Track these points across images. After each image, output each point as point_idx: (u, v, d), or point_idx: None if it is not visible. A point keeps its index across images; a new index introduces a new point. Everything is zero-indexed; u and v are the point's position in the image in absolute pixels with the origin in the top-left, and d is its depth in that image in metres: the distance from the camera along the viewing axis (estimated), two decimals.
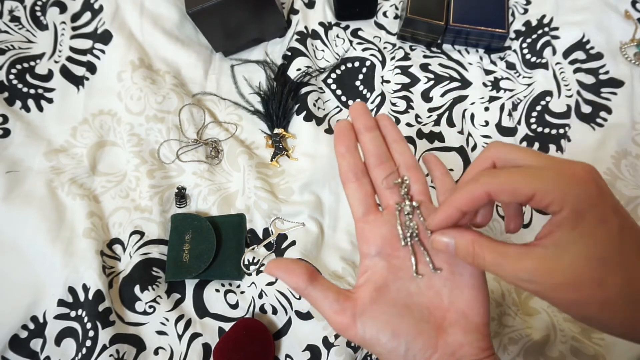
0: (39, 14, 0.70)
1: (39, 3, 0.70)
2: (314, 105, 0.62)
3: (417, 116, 0.62)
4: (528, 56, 0.64)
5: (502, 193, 0.26)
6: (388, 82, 0.64)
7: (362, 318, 0.28)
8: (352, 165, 0.33)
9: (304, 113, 0.62)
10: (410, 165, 0.33)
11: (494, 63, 0.65)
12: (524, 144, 0.60)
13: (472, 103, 0.63)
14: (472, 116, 0.62)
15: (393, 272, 0.30)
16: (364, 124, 0.33)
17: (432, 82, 0.64)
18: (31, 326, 0.53)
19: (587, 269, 0.24)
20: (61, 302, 0.53)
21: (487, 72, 0.64)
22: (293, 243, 0.55)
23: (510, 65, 0.65)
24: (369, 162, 0.33)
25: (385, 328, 0.28)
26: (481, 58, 0.65)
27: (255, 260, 0.55)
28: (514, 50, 0.65)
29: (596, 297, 0.24)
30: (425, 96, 0.63)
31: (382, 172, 0.33)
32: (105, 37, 0.65)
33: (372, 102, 0.64)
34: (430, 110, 0.63)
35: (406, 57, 0.65)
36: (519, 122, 0.61)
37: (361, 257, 0.32)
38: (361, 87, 0.65)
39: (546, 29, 0.65)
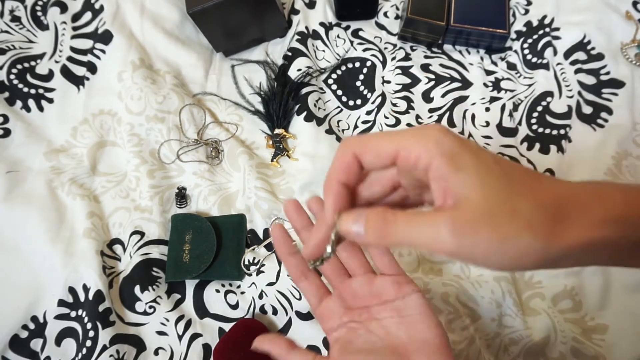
0: (39, 14, 0.70)
1: (40, 3, 0.70)
2: (315, 105, 0.62)
3: (417, 117, 0.62)
4: (529, 57, 0.64)
5: (366, 154, 0.26)
6: (389, 82, 0.64)
7: None
8: (299, 267, 0.37)
9: (305, 113, 0.62)
10: (347, 244, 0.37)
11: (495, 63, 0.65)
12: (525, 144, 0.60)
13: (473, 103, 0.62)
14: (473, 117, 0.62)
15: (354, 332, 0.35)
16: (299, 225, 0.37)
17: (432, 83, 0.64)
18: (31, 326, 0.53)
19: (500, 203, 0.23)
20: (61, 302, 0.53)
21: (488, 73, 0.64)
22: None
23: (511, 66, 0.65)
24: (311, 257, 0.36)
25: None
26: (482, 58, 0.65)
27: (255, 261, 0.55)
28: (515, 51, 0.65)
29: (519, 225, 0.22)
30: (426, 96, 0.63)
31: (327, 264, 0.37)
32: (105, 37, 0.65)
33: (372, 103, 0.63)
34: (431, 110, 0.63)
35: (407, 57, 0.65)
36: (519, 123, 0.61)
37: (326, 333, 0.36)
38: (362, 88, 0.65)
39: (547, 29, 0.65)
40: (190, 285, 0.55)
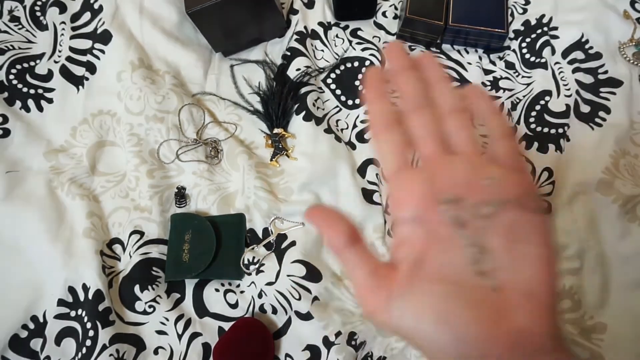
0: (38, 14, 0.70)
1: (39, 3, 0.70)
2: (314, 105, 0.63)
3: None
4: (527, 56, 0.64)
5: None
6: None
7: (398, 301, 0.23)
8: (383, 113, 0.27)
9: (304, 113, 0.62)
10: (455, 108, 0.27)
11: (493, 63, 0.65)
12: (523, 143, 0.60)
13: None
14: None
15: (436, 243, 0.23)
16: (400, 64, 0.28)
17: None
18: (31, 326, 0.53)
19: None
20: (61, 302, 0.53)
21: (487, 72, 0.64)
22: (293, 243, 0.55)
23: (510, 65, 0.65)
24: (407, 106, 0.28)
25: (428, 313, 0.22)
26: (480, 58, 0.65)
27: (254, 260, 0.55)
28: (513, 50, 0.65)
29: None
30: None
31: (420, 118, 0.27)
32: (105, 37, 0.65)
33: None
34: None
35: None
36: (518, 122, 0.62)
37: (394, 224, 0.26)
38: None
39: (545, 28, 0.65)
40: (190, 284, 0.55)
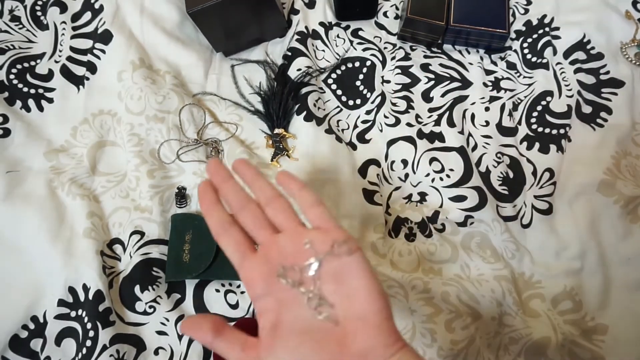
0: (39, 13, 0.70)
1: (39, 3, 0.70)
2: (314, 105, 0.62)
3: (417, 116, 0.62)
4: (529, 56, 0.64)
5: None
6: (388, 82, 0.64)
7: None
8: (219, 219, 0.34)
9: (304, 113, 0.62)
10: (271, 197, 0.35)
11: (495, 63, 0.65)
12: (525, 144, 0.60)
13: (473, 103, 0.63)
14: (473, 116, 0.62)
15: (284, 306, 0.30)
16: (219, 178, 0.35)
17: (432, 82, 0.64)
18: (31, 326, 0.53)
19: None
20: (61, 302, 0.53)
21: (488, 72, 0.64)
22: None
23: (511, 65, 0.65)
24: (234, 210, 0.35)
25: None
26: (482, 58, 0.65)
27: None
28: (515, 50, 0.65)
29: None
30: (426, 96, 0.63)
31: (247, 214, 0.34)
32: (105, 37, 0.65)
33: (372, 102, 0.64)
34: (431, 110, 0.63)
35: (407, 57, 0.65)
36: (519, 122, 0.61)
37: (253, 302, 0.32)
38: (361, 87, 0.65)
39: (547, 29, 0.65)
40: (190, 285, 0.55)
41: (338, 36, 0.67)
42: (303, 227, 0.33)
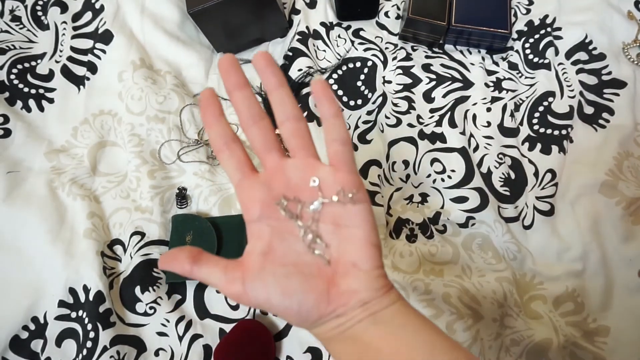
0: (40, 13, 0.70)
1: (40, 3, 0.70)
2: (315, 106, 0.62)
3: (418, 117, 0.62)
4: (530, 56, 0.64)
5: None
6: (390, 82, 0.64)
7: (251, 284, 0.28)
8: (222, 134, 0.31)
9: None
10: (291, 116, 0.31)
11: (496, 63, 0.65)
12: (526, 144, 0.60)
13: (474, 104, 0.62)
14: (474, 117, 0.62)
15: (278, 235, 0.29)
16: (233, 82, 0.30)
17: (434, 83, 0.63)
18: (32, 327, 0.53)
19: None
20: (62, 303, 0.53)
21: (489, 73, 0.64)
22: None
23: (513, 66, 0.64)
24: (243, 123, 0.31)
25: (275, 289, 0.28)
26: (483, 58, 0.65)
27: None
28: (516, 51, 0.65)
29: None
30: (427, 97, 0.63)
31: (257, 132, 0.31)
32: (106, 37, 0.65)
33: (373, 103, 0.63)
34: (432, 110, 0.63)
35: (408, 57, 0.65)
36: (521, 123, 0.61)
37: (246, 224, 0.31)
38: (362, 88, 0.65)
39: (549, 29, 0.65)
40: (191, 286, 0.55)
41: (339, 36, 0.67)
42: (316, 159, 0.31)
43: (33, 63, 0.66)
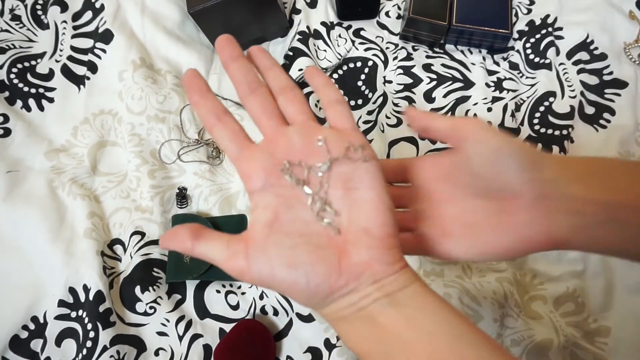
0: (40, 12, 0.69)
1: (40, 2, 0.70)
2: (316, 105, 0.62)
3: None
4: (531, 56, 0.64)
5: None
6: (390, 82, 0.64)
7: (254, 257, 0.26)
8: (211, 108, 0.30)
9: None
10: (285, 86, 0.31)
11: (497, 63, 0.65)
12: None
13: (475, 104, 0.62)
14: (475, 117, 0.62)
15: (284, 203, 0.27)
16: (229, 54, 0.30)
17: (434, 83, 0.63)
18: (31, 326, 0.53)
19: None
20: (62, 303, 0.53)
21: (490, 73, 0.64)
22: None
23: (514, 66, 0.64)
24: (240, 93, 0.31)
25: (280, 262, 0.25)
26: (484, 58, 0.65)
27: None
28: (517, 51, 0.65)
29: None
30: (428, 97, 0.63)
31: (255, 100, 0.30)
32: (106, 37, 0.65)
33: (374, 102, 0.63)
34: (433, 110, 0.62)
35: (409, 57, 0.65)
36: (521, 123, 0.61)
37: (249, 195, 0.29)
38: (363, 87, 0.64)
39: (550, 29, 0.64)
40: (191, 285, 0.55)
41: (340, 36, 0.67)
42: (317, 122, 0.30)
43: (33, 62, 0.66)
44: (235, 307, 0.54)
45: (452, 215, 0.32)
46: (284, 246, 0.26)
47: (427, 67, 0.64)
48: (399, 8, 0.68)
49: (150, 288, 0.53)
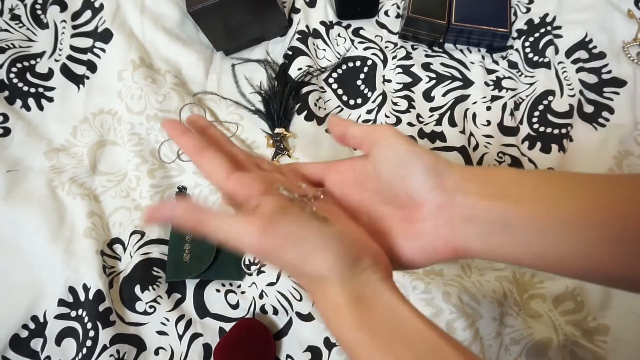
0: (39, 12, 0.69)
1: (40, 1, 0.70)
2: (315, 104, 0.62)
3: (418, 116, 0.62)
4: (530, 55, 0.64)
5: None
6: (389, 81, 0.64)
7: (271, 223, 0.25)
8: (193, 142, 0.30)
9: (305, 113, 0.61)
10: (227, 169, 0.30)
11: (496, 62, 0.65)
12: (526, 143, 0.60)
13: (474, 102, 0.62)
14: (474, 116, 0.62)
15: (284, 206, 0.27)
16: (176, 133, 0.31)
17: (433, 82, 0.63)
18: (31, 326, 0.53)
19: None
20: (61, 302, 0.53)
21: (489, 72, 0.64)
22: None
23: (513, 65, 0.64)
24: (192, 157, 0.31)
25: (298, 226, 0.26)
26: (483, 57, 0.65)
27: (255, 261, 0.55)
28: (516, 50, 0.65)
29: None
30: (427, 96, 0.63)
31: (211, 155, 0.30)
32: (105, 36, 0.65)
33: (373, 102, 0.63)
34: (432, 109, 0.62)
35: (408, 56, 0.65)
36: (520, 122, 0.61)
37: (245, 203, 0.28)
38: (362, 87, 0.64)
39: (549, 27, 0.64)
40: (191, 285, 0.55)
41: (339, 35, 0.67)
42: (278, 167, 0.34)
43: (32, 62, 0.66)
44: (235, 306, 0.54)
45: (362, 222, 0.32)
46: (301, 219, 0.27)
47: (426, 66, 0.64)
48: (398, 7, 0.68)
49: (150, 287, 0.53)
